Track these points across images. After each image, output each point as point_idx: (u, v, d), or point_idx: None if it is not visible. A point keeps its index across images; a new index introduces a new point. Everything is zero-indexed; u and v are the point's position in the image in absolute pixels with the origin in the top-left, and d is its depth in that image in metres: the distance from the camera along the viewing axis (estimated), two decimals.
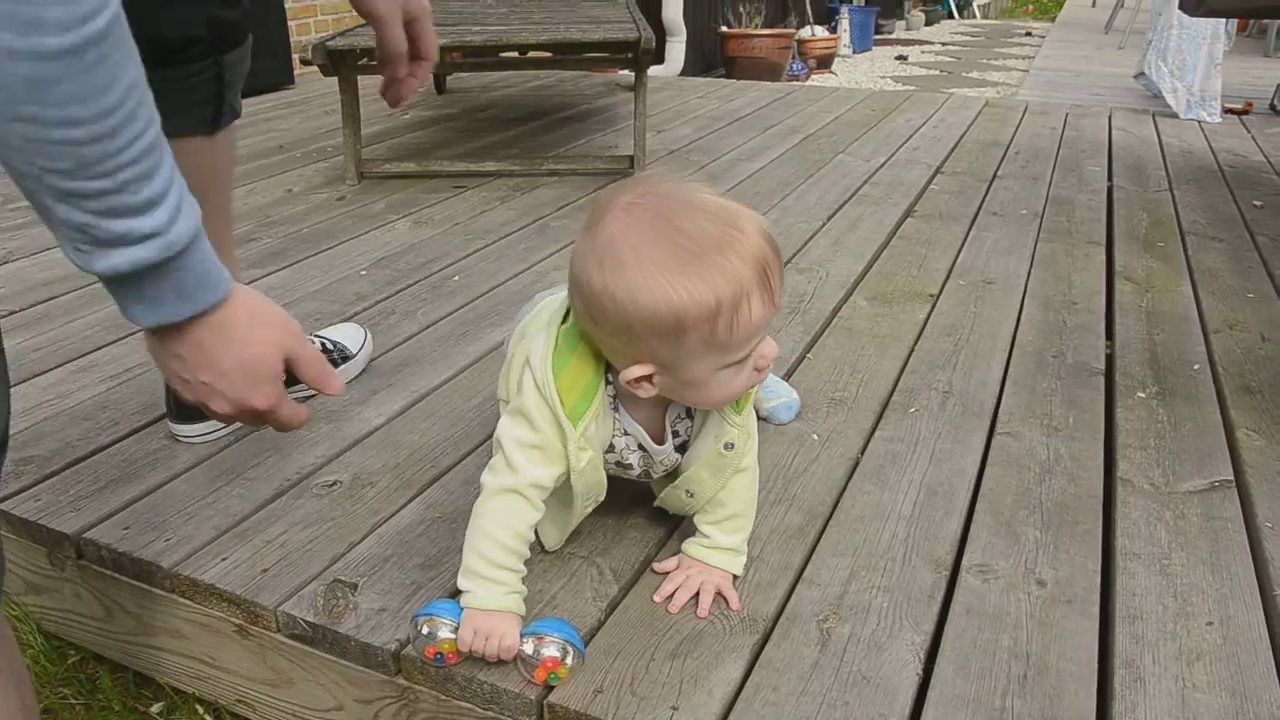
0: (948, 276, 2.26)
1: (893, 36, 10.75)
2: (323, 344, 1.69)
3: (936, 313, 2.05)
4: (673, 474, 1.20)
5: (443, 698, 1.08)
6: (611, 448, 1.15)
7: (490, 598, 1.06)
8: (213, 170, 1.40)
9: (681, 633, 1.12)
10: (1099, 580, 1.24)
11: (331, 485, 1.41)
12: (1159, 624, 1.17)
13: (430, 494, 1.39)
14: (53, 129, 0.67)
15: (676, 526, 1.31)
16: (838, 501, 1.38)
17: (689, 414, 1.16)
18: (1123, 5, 9.12)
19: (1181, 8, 3.12)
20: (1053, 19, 12.36)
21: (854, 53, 9.22)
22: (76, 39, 0.65)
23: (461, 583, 1.07)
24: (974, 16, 13.59)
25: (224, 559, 1.25)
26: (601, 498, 1.18)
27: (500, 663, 1.05)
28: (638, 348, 1.00)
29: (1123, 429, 1.61)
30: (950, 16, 13.12)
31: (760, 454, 1.46)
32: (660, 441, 1.15)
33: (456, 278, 2.23)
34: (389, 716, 1.13)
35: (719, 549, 1.19)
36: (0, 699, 0.82)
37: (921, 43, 10.33)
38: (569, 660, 1.03)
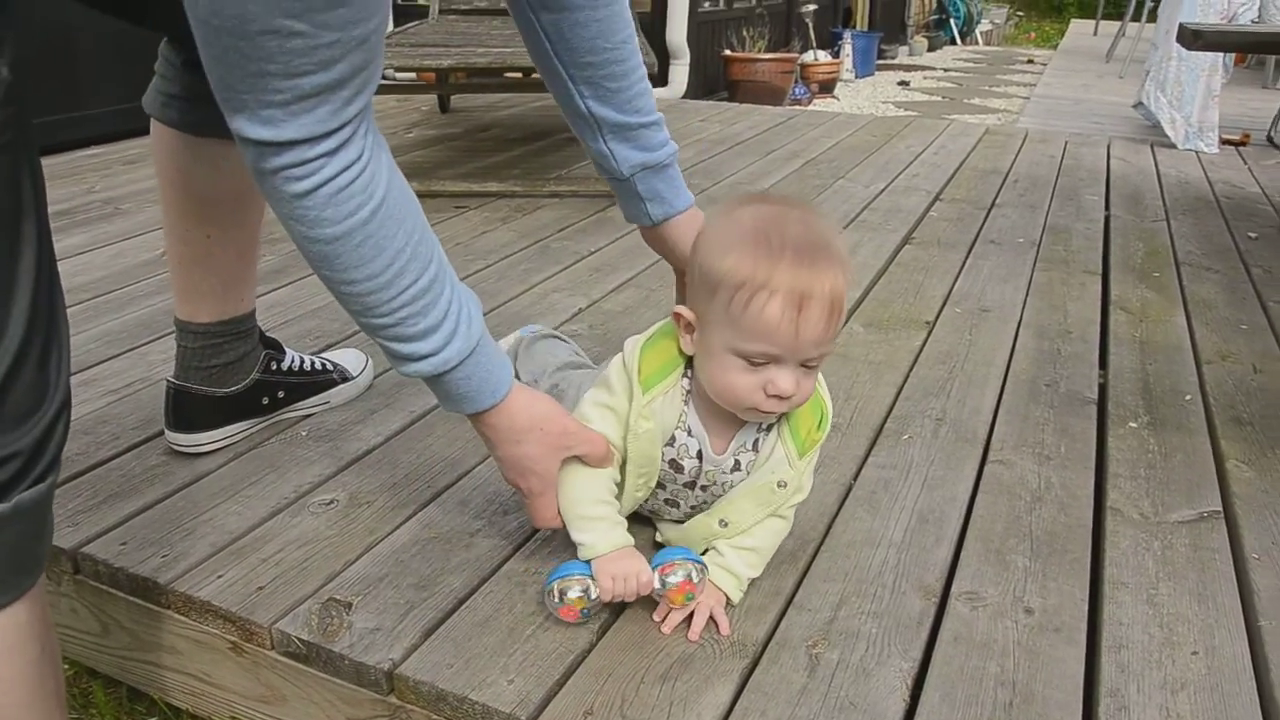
0: (944, 304, 2.28)
1: (895, 61, 10.82)
2: (323, 364, 1.70)
3: (932, 340, 2.07)
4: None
5: (435, 717, 1.09)
6: (672, 440, 1.18)
7: (605, 540, 1.16)
8: (215, 171, 1.42)
9: (672, 656, 1.13)
10: (1086, 609, 1.25)
11: (329, 504, 1.42)
12: (1144, 653, 1.18)
13: (426, 514, 1.40)
14: (339, 285, 0.95)
15: None
16: (830, 527, 1.39)
17: (755, 447, 1.19)
18: (1124, 34, 9.18)
19: (1179, 41, 3.15)
20: (1055, 46, 12.43)
21: (856, 77, 9.28)
22: (345, 229, 0.90)
23: (576, 538, 1.18)
24: (977, 43, 13.68)
25: (220, 576, 1.26)
26: (651, 484, 1.22)
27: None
28: (693, 291, 1.12)
29: (1114, 458, 1.62)
30: (953, 42, 13.20)
31: None
32: (720, 453, 1.19)
33: None
34: None
35: (728, 571, 1.21)
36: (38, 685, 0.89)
37: (924, 68, 10.39)
38: (695, 577, 1.14)
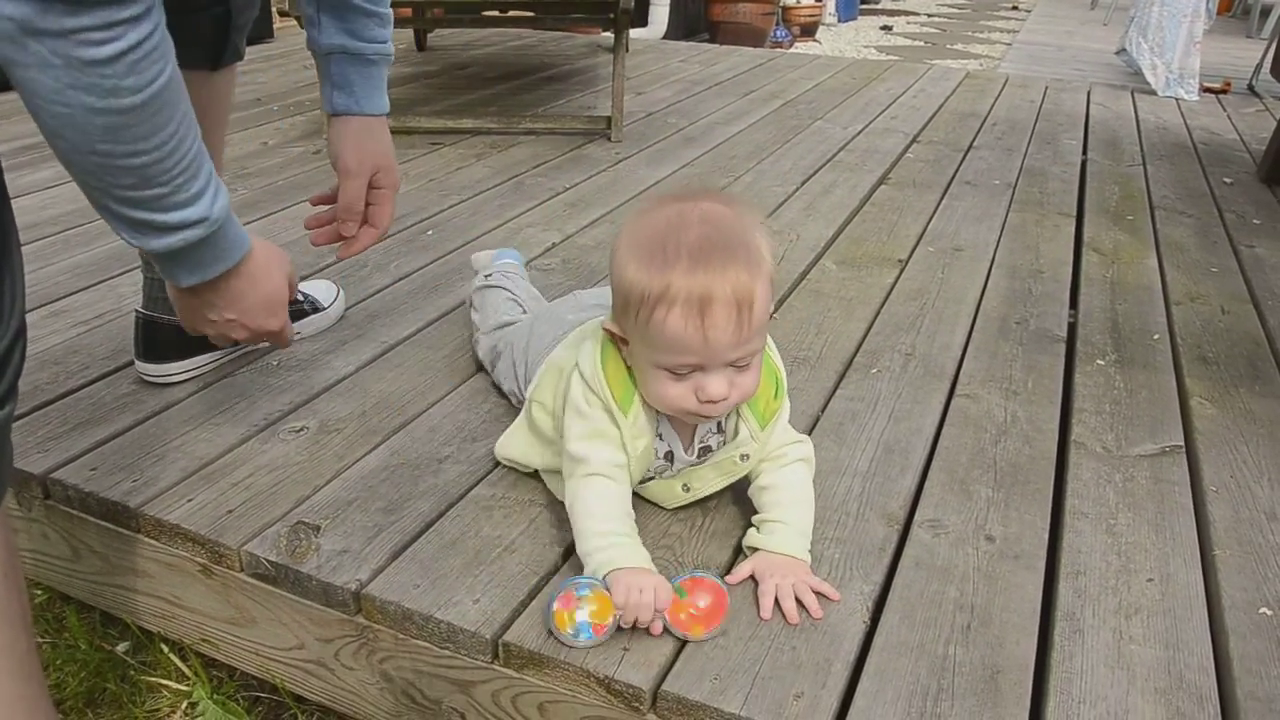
0: (917, 243, 2.29)
1: (879, 7, 10.72)
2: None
3: (904, 278, 2.08)
4: None
5: (401, 636, 1.10)
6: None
7: (623, 555, 1.08)
8: (210, 102, 1.42)
9: None
10: (1046, 537, 1.27)
11: (298, 431, 1.43)
12: (1101, 579, 1.20)
13: (395, 441, 1.41)
14: (121, 159, 0.85)
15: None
16: None
17: (720, 428, 1.20)
18: None
19: None
20: None
21: (839, 21, 9.20)
22: (144, 98, 0.82)
23: (588, 564, 1.09)
24: None
25: (190, 500, 1.27)
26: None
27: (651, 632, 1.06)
28: (614, 303, 1.10)
29: (1080, 394, 1.64)
30: None
31: None
32: (688, 450, 1.20)
33: (430, 232, 2.24)
34: (349, 655, 1.16)
35: (791, 533, 1.17)
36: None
37: (907, 13, 10.31)
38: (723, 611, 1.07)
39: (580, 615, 1.03)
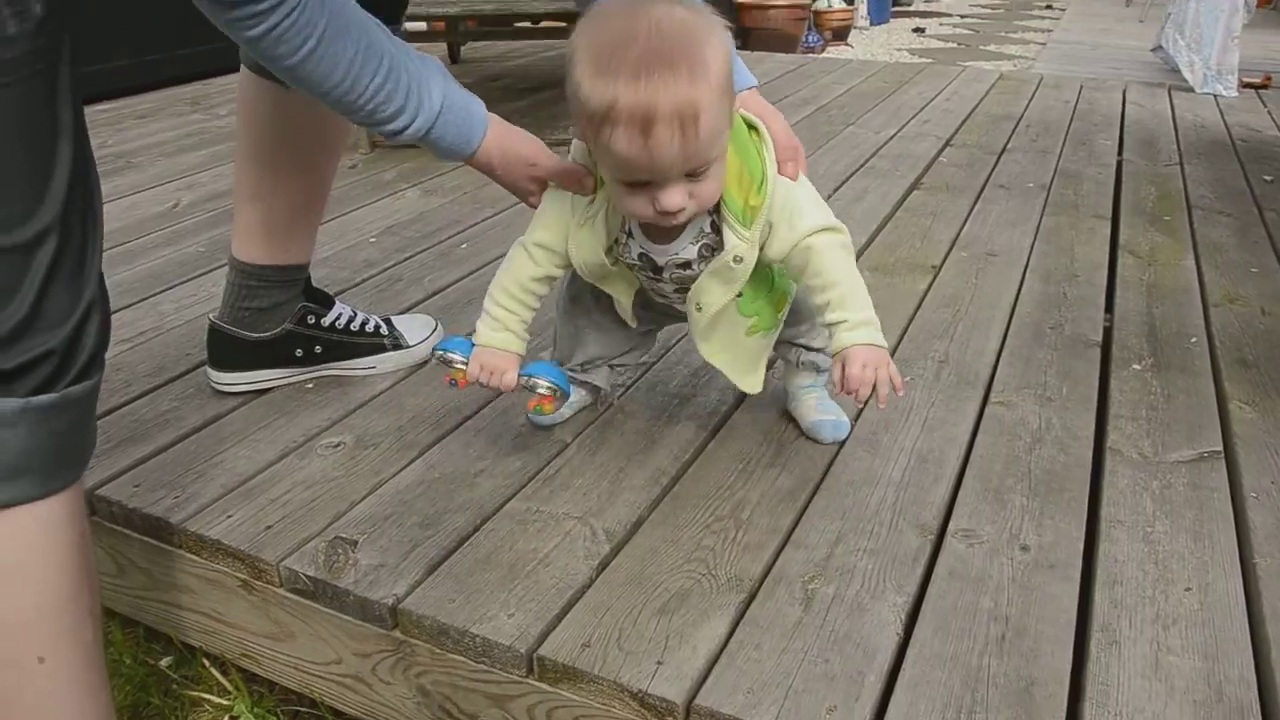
0: (950, 248, 2.28)
1: (911, 9, 10.67)
2: (376, 326, 1.67)
3: (937, 284, 2.07)
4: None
5: (437, 650, 1.12)
6: (616, 242, 1.26)
7: (491, 336, 1.28)
8: (315, 132, 1.49)
9: (669, 591, 1.15)
10: (1082, 546, 1.26)
11: (335, 446, 1.45)
12: (1138, 589, 1.19)
13: (430, 455, 1.43)
14: (318, 93, 1.10)
15: (672, 485, 1.34)
16: (829, 467, 1.41)
17: (716, 229, 1.22)
18: None
19: None
20: None
21: (871, 25, 9.16)
22: (298, 59, 1.05)
23: (477, 325, 1.30)
24: None
25: (230, 516, 1.29)
26: (629, 291, 1.33)
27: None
28: (573, 115, 1.12)
29: (1116, 400, 1.63)
30: None
31: (752, 423, 1.51)
32: (666, 247, 1.24)
33: (464, 246, 2.26)
34: (385, 669, 1.17)
35: (859, 324, 1.21)
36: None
37: (940, 15, 10.25)
38: (556, 400, 1.32)
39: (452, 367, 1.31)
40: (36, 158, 0.85)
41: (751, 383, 1.38)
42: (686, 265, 1.24)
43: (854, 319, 1.21)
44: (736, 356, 1.36)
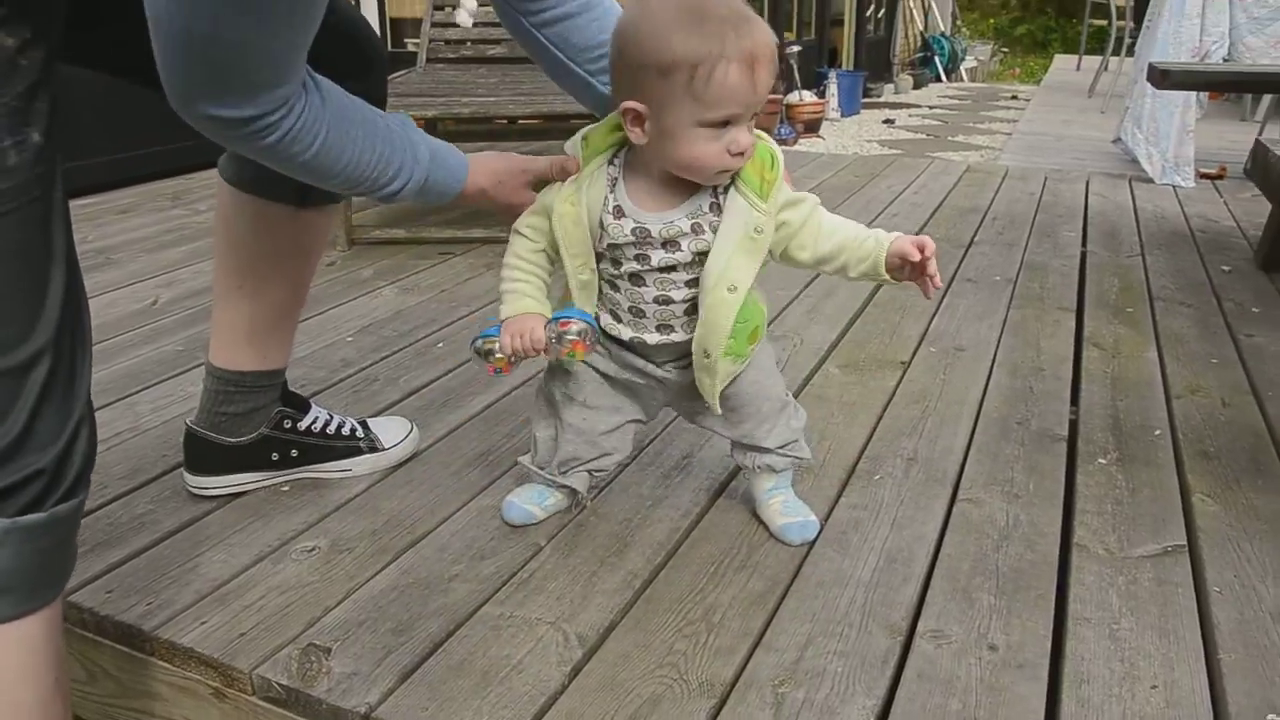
0: (919, 344, 2.33)
1: (881, 100, 10.94)
2: (352, 429, 1.67)
3: (906, 380, 2.11)
4: (689, 363, 1.39)
5: None
6: (602, 224, 1.31)
7: (512, 308, 1.36)
8: (294, 241, 1.50)
9: (641, 697, 1.16)
10: (1049, 645, 1.28)
11: (310, 550, 1.46)
12: (1105, 688, 1.21)
13: (404, 560, 1.43)
14: (326, 181, 1.18)
15: (645, 588, 1.35)
16: (799, 568, 1.42)
17: (716, 209, 1.30)
18: (1106, 69, 9.29)
19: (1149, 80, 3.22)
20: (1038, 82, 12.58)
21: (842, 116, 9.38)
22: (310, 155, 1.12)
23: (499, 309, 1.38)
24: (962, 79, 13.83)
25: (203, 623, 1.29)
26: (590, 265, 1.36)
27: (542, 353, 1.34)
28: (631, 85, 1.22)
29: (1082, 494, 1.66)
30: (938, 79, 13.34)
31: (724, 524, 1.52)
32: (663, 217, 1.30)
33: (440, 345, 2.29)
34: None
35: (880, 236, 1.36)
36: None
37: (909, 106, 10.51)
38: (588, 342, 1.33)
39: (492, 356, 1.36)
40: (32, 280, 0.87)
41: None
42: (675, 245, 1.30)
43: (871, 230, 1.37)
44: (715, 378, 1.41)
